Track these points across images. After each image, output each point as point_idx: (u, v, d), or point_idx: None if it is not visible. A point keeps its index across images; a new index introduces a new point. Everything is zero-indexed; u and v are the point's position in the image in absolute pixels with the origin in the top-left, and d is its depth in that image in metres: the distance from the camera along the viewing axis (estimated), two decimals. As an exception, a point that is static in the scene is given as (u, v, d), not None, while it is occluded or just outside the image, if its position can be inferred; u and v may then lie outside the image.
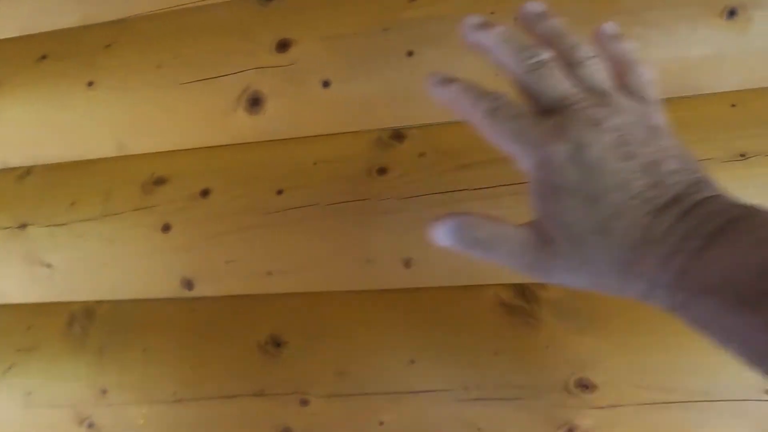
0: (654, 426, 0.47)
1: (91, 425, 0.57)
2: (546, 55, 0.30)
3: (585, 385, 0.48)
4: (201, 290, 0.57)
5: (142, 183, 0.59)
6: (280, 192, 0.55)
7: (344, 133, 0.56)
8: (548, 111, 0.29)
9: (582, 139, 0.27)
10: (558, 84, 0.29)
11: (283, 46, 0.57)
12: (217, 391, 0.55)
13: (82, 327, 0.59)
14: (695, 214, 0.26)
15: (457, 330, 0.51)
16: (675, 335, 0.47)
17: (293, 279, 0.55)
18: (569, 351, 0.49)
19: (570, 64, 0.30)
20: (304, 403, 0.53)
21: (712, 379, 0.46)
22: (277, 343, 0.54)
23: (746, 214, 0.25)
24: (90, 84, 0.61)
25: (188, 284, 0.57)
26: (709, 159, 0.47)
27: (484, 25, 0.32)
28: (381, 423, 0.52)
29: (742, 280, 0.23)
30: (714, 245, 0.24)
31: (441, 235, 0.31)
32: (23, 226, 0.61)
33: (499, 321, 0.51)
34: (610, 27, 0.33)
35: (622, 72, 0.32)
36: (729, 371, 0.46)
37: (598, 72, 0.30)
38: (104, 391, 0.57)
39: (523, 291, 0.51)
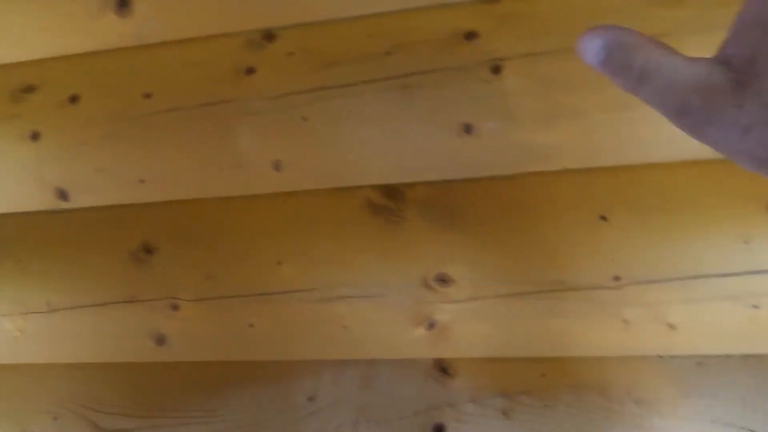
0: (511, 316, 0.47)
1: (-32, 338, 0.57)
2: None
3: (443, 280, 0.48)
4: (76, 201, 0.55)
5: (10, 91, 0.57)
6: (148, 95, 0.54)
7: (215, 35, 0.54)
8: None
9: None
10: None
11: (147, -58, 0.54)
12: (90, 300, 0.55)
13: (-43, 241, 0.58)
14: None
15: (325, 231, 0.51)
16: (530, 230, 0.47)
17: (165, 187, 0.54)
18: (430, 247, 0.49)
19: None
20: (175, 307, 0.53)
21: (565, 270, 0.47)
22: (148, 250, 0.54)
23: None
24: (-45, -10, 0.58)
25: (63, 195, 0.56)
26: None
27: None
28: (251, 325, 0.52)
29: None
30: None
31: (589, 50, 0.23)
32: None
33: (365, 221, 0.50)
34: None
35: None
36: (581, 262, 0.46)
37: None
38: (-22, 303, 0.57)
39: (391, 191, 0.50)
